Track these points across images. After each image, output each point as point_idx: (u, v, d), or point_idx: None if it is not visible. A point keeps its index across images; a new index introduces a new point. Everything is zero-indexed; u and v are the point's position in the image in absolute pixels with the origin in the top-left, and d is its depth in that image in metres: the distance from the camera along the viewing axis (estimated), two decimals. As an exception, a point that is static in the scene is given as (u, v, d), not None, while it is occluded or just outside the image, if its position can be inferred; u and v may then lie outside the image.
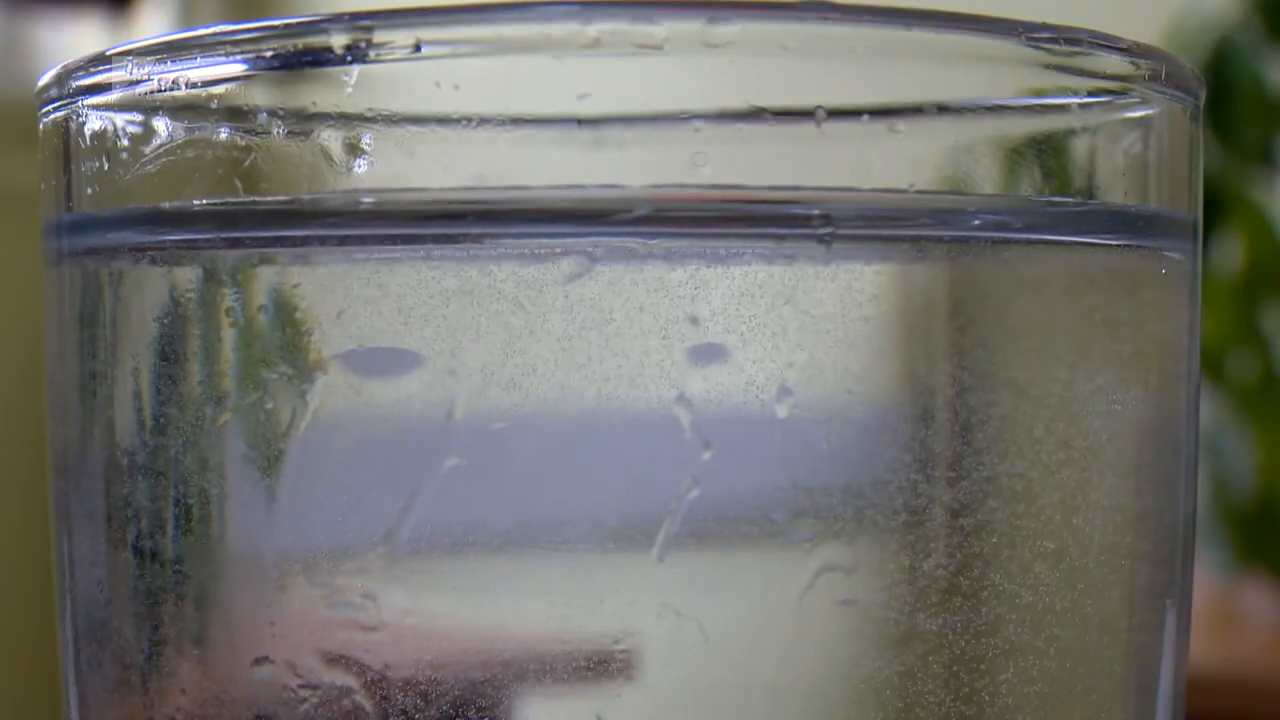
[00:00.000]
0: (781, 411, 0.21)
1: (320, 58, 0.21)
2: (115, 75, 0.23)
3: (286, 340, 0.21)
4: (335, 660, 0.21)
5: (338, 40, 0.21)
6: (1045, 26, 0.21)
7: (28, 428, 1.40)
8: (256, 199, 0.22)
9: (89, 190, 0.23)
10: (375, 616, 0.21)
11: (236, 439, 0.22)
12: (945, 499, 0.21)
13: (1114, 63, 0.22)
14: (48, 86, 0.24)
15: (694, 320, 0.20)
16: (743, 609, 0.21)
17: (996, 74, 0.22)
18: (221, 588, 0.22)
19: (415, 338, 0.21)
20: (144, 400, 0.23)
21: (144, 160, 0.22)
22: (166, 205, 0.22)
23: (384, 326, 0.21)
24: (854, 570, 0.21)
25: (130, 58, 0.22)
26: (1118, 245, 0.23)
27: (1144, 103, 0.23)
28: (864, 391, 0.21)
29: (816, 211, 0.21)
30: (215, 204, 0.22)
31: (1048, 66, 0.22)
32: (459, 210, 0.21)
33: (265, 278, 0.22)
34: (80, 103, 0.23)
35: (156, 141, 0.22)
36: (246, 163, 0.22)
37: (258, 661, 0.21)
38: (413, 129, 0.21)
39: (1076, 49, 0.22)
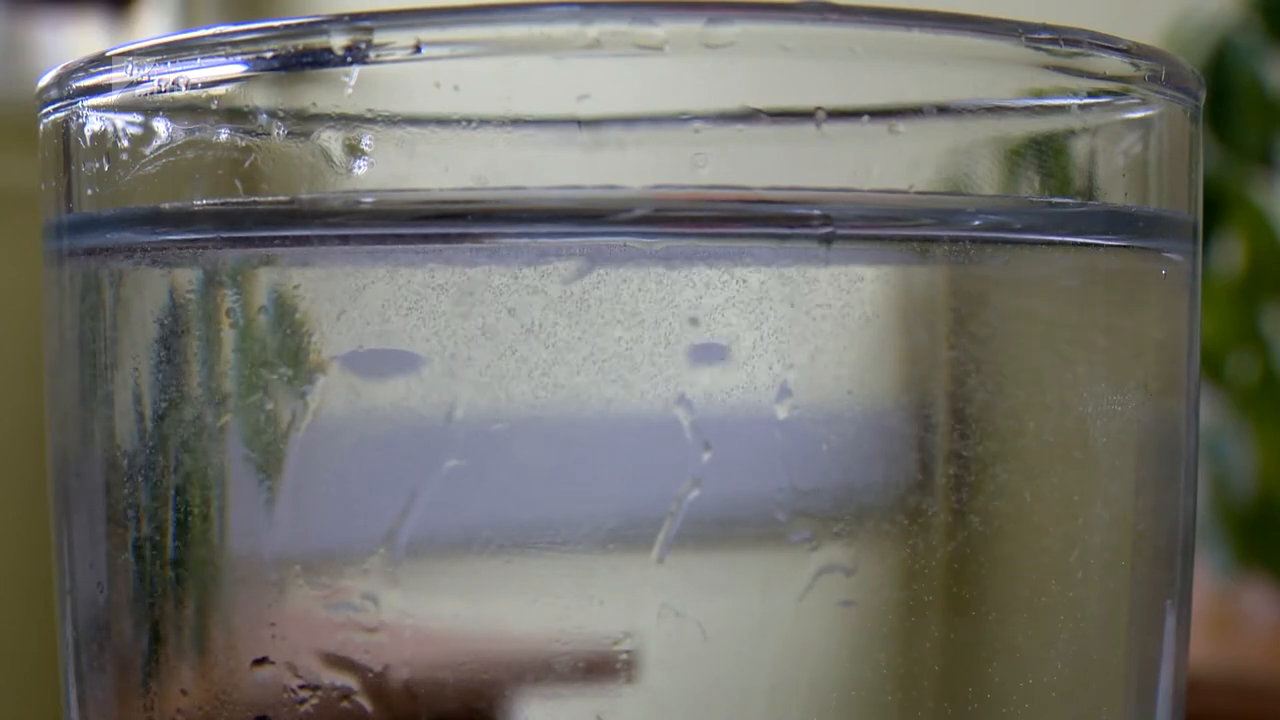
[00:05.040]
0: (782, 412, 0.21)
1: (320, 58, 0.21)
2: (115, 76, 0.23)
3: (286, 341, 0.21)
4: (335, 661, 0.21)
5: (338, 41, 0.21)
6: (1045, 27, 0.21)
7: (28, 428, 1.40)
8: (256, 199, 0.22)
9: (89, 191, 0.23)
10: (375, 617, 0.21)
11: (236, 440, 0.22)
12: (945, 500, 0.21)
13: (1114, 64, 0.22)
14: (48, 87, 0.24)
15: (694, 320, 0.20)
16: (743, 610, 0.21)
17: (996, 75, 0.22)
18: (222, 588, 0.22)
19: (415, 339, 0.21)
20: (144, 401, 0.23)
21: (144, 161, 0.22)
22: (166, 206, 0.22)
23: (384, 327, 0.21)
24: (854, 571, 0.21)
25: (130, 58, 0.22)
26: (1118, 246, 0.23)
27: (1144, 104, 0.23)
28: (864, 392, 0.21)
29: (816, 211, 0.21)
30: (215, 205, 0.22)
31: (1047, 67, 0.22)
32: (459, 211, 0.21)
33: (265, 278, 0.22)
34: (80, 104, 0.23)
35: (157, 142, 0.22)
36: (246, 163, 0.22)
37: (258, 662, 0.21)
38: (413, 130, 0.21)
39: (1076, 50, 0.22)
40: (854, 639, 0.22)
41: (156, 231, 0.22)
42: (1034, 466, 0.22)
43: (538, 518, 0.21)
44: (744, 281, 0.21)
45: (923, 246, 0.22)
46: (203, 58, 0.22)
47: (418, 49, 0.20)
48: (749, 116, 0.20)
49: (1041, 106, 0.22)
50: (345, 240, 0.21)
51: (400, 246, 0.21)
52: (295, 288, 0.21)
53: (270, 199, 0.22)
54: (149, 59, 0.22)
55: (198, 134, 0.22)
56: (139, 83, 0.22)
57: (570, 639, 0.20)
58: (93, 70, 0.23)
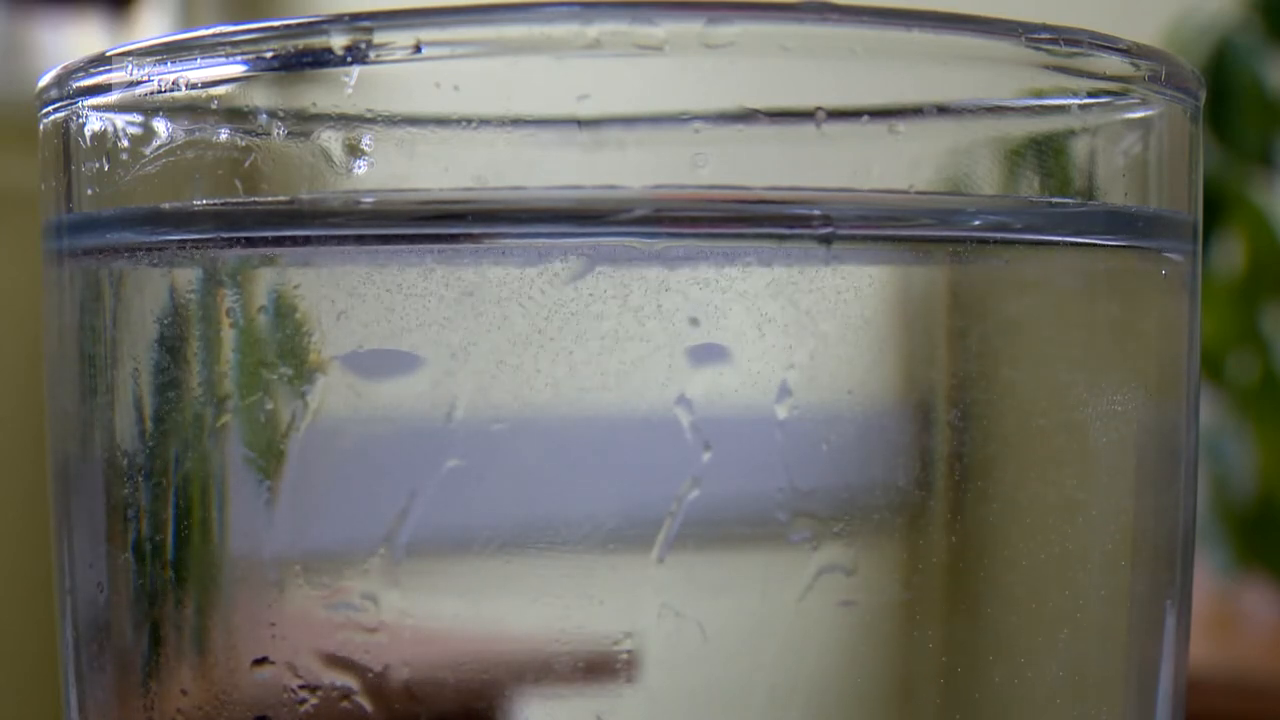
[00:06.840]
0: (782, 412, 0.21)
1: (320, 58, 0.21)
2: (115, 76, 0.23)
3: (286, 341, 0.21)
4: (335, 661, 0.21)
5: (338, 41, 0.21)
6: (1045, 27, 0.21)
7: (28, 428, 1.40)
8: (256, 200, 0.22)
9: (89, 191, 0.23)
10: (375, 617, 0.21)
11: (236, 440, 0.22)
12: (945, 500, 0.21)
13: (1114, 64, 0.22)
14: (48, 87, 0.24)
15: (694, 321, 0.20)
16: (743, 610, 0.21)
17: (996, 75, 0.22)
18: (222, 589, 0.22)
19: (415, 339, 0.21)
20: (144, 401, 0.23)
21: (144, 161, 0.22)
22: (166, 206, 0.22)
23: (384, 327, 0.21)
24: (854, 571, 0.21)
25: (130, 58, 0.22)
26: (1118, 246, 0.23)
27: (1144, 104, 0.23)
28: (864, 392, 0.21)
29: (816, 212, 0.21)
30: (215, 205, 0.22)
31: (1047, 67, 0.22)
32: (459, 211, 0.21)
33: (265, 278, 0.22)
34: (80, 104, 0.23)
35: (156, 142, 0.22)
36: (246, 163, 0.22)
37: (258, 662, 0.21)
38: (412, 130, 0.21)
39: (1076, 50, 0.22)
40: (854, 639, 0.22)
41: (156, 231, 0.22)
42: (1034, 466, 0.22)
43: (538, 518, 0.21)
44: (744, 281, 0.21)
45: (923, 247, 0.22)
46: (203, 58, 0.22)
47: (418, 49, 0.20)
48: (749, 117, 0.20)
49: (1041, 106, 0.22)
50: (345, 240, 0.21)
51: (400, 246, 0.21)
52: (295, 288, 0.21)
53: (270, 199, 0.22)
54: (149, 59, 0.22)
55: (198, 134, 0.22)
56: (139, 83, 0.22)
57: (570, 639, 0.20)
58: (93, 70, 0.23)
